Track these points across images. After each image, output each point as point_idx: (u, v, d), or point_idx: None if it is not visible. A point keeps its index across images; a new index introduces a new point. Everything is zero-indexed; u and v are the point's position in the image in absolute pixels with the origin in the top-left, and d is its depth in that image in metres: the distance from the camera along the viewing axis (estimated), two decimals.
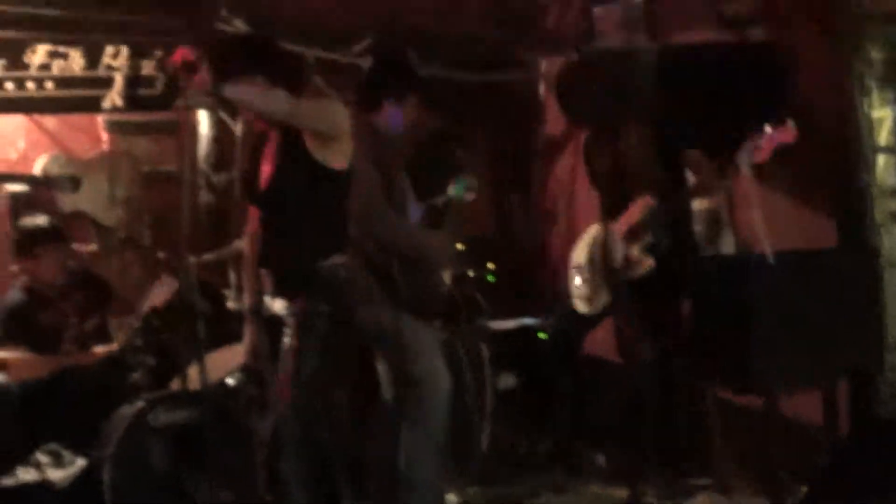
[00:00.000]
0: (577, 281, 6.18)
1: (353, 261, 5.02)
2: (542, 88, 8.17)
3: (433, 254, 5.40)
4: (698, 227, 6.94)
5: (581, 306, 6.12)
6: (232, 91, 4.51)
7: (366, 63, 7.12)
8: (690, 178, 5.97)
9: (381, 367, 5.48)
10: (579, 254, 6.25)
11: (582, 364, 6.41)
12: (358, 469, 5.36)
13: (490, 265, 7.03)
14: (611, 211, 6.04)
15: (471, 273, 6.64)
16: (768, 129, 5.58)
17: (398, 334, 5.15)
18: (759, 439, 5.61)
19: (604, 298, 6.01)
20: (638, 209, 5.89)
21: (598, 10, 7.84)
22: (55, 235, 6.07)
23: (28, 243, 6.02)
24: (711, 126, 6.17)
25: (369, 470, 5.46)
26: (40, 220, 6.15)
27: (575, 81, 6.20)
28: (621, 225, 5.94)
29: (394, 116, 5.37)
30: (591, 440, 6.45)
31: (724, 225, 6.83)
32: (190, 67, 4.31)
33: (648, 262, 5.87)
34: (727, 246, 6.72)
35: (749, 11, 6.53)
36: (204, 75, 4.33)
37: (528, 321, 6.62)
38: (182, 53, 4.32)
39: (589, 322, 6.16)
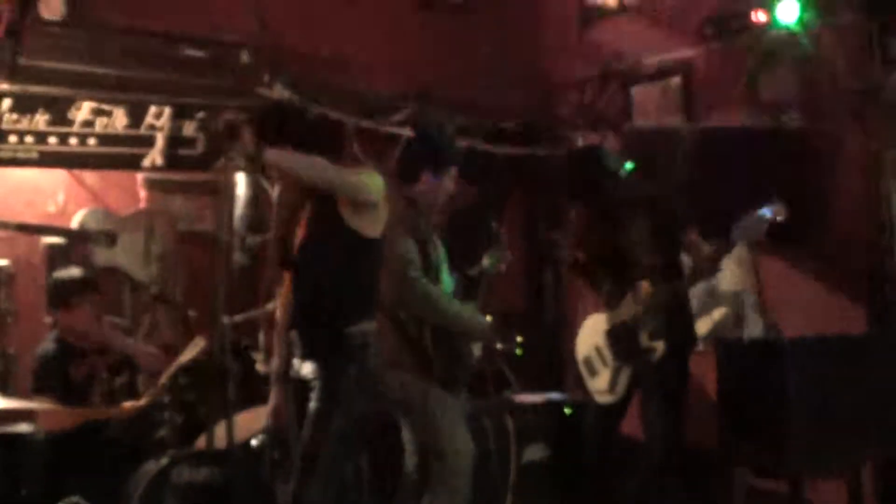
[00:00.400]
0: (588, 374, 6.17)
1: (383, 327, 5.08)
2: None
3: (466, 326, 5.39)
4: (727, 310, 6.95)
5: (603, 399, 6.09)
6: (273, 156, 4.55)
7: (405, 132, 7.23)
8: (686, 260, 5.94)
9: (406, 435, 5.50)
10: (583, 346, 6.20)
11: (611, 442, 6.38)
12: None
13: (519, 338, 7.04)
14: (610, 298, 6.03)
15: (499, 346, 6.64)
16: (764, 209, 5.59)
17: (425, 403, 5.18)
18: None
19: (623, 385, 5.98)
20: (641, 296, 5.89)
21: (636, 90, 7.93)
22: (89, 288, 6.13)
23: (63, 294, 6.08)
24: (711, 207, 6.25)
25: None
26: (75, 271, 6.20)
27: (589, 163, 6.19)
28: (626, 312, 5.91)
29: (432, 188, 5.42)
30: None
31: (751, 308, 6.83)
32: (233, 131, 4.35)
33: (659, 348, 5.86)
34: (755, 329, 6.72)
35: (785, 99, 6.58)
36: (246, 139, 4.37)
37: (554, 396, 6.59)
38: (225, 117, 4.36)
39: (614, 409, 6.12)
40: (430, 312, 5.22)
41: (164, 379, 5.68)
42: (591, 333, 6.12)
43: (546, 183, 8.28)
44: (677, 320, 5.93)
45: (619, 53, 8.04)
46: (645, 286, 5.83)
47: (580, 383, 6.26)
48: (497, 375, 6.81)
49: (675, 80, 7.61)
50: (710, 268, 6.01)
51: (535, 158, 8.12)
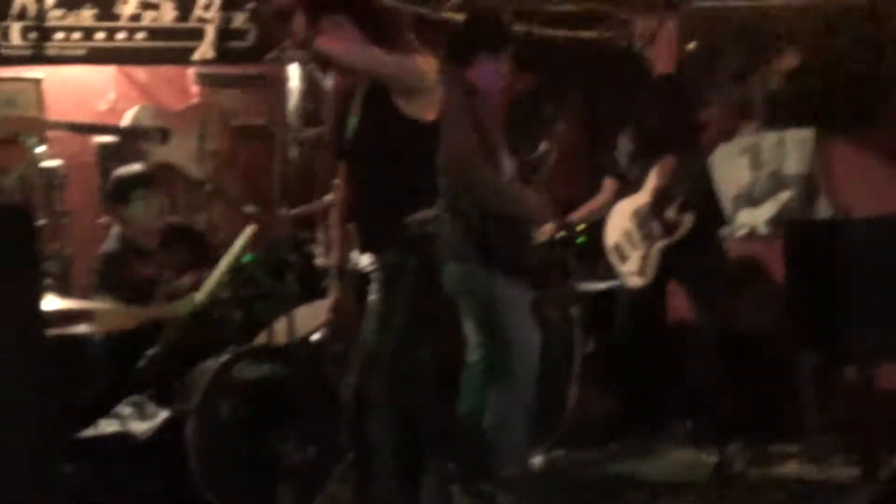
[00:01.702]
0: (619, 260, 6.11)
1: (444, 216, 4.96)
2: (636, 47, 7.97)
3: (529, 211, 5.30)
4: (793, 193, 6.85)
5: (634, 282, 6.07)
6: (324, 44, 4.43)
7: (459, 18, 7.05)
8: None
9: (468, 328, 5.42)
10: (612, 234, 6.22)
11: (668, 327, 6.33)
12: (443, 429, 5.29)
13: (581, 226, 6.91)
14: (639, 181, 6.05)
15: (562, 233, 6.53)
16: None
17: (490, 293, 5.09)
18: (853, 409, 5.51)
19: (653, 267, 5.92)
20: (663, 170, 5.79)
21: None
22: (151, 183, 6.05)
23: (123, 190, 6.01)
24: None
25: (454, 430, 5.40)
26: (136, 167, 6.15)
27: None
28: (651, 190, 5.92)
29: (487, 72, 5.27)
30: (679, 404, 6.35)
31: (819, 190, 6.72)
32: (284, 15, 4.23)
33: (688, 220, 5.84)
34: (823, 212, 6.63)
35: None
36: (298, 24, 4.24)
37: (617, 283, 6.48)
38: (276, 3, 4.24)
39: (651, 291, 6.07)
40: (492, 199, 5.11)
41: (219, 273, 5.61)
42: (620, 219, 6.18)
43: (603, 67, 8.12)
44: (702, 192, 6.00)
45: None
46: (667, 161, 5.77)
47: (611, 273, 6.24)
48: (560, 263, 6.70)
49: None
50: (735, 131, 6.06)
51: (595, 42, 7.92)
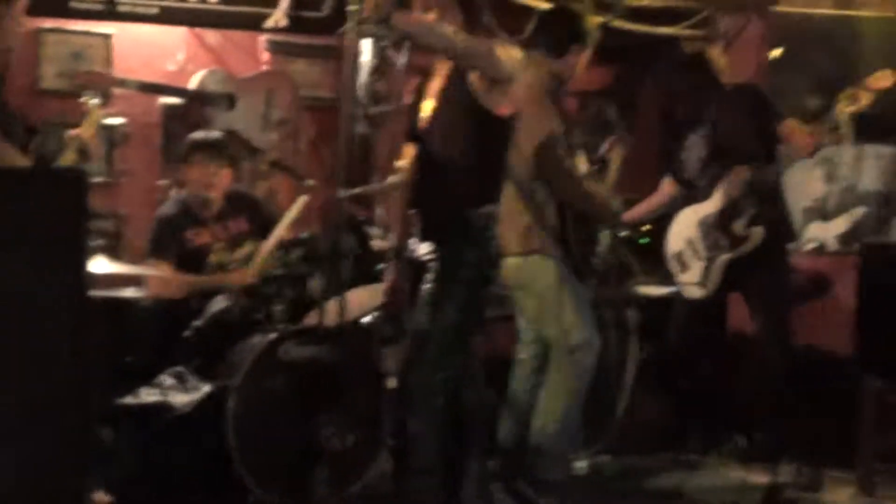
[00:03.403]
0: (679, 268, 5.99)
1: (515, 208, 4.94)
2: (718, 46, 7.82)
3: (600, 209, 5.24)
4: (868, 209, 6.71)
5: (694, 292, 5.93)
6: (402, 21, 4.36)
7: (540, 4, 6.93)
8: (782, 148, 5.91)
9: (521, 323, 5.32)
10: (674, 241, 6.10)
11: (727, 339, 6.21)
12: (487, 426, 5.20)
13: (645, 227, 6.78)
14: (707, 189, 5.93)
15: (625, 234, 6.40)
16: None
17: (554, 288, 5.03)
18: None
19: (715, 279, 5.79)
20: (735, 182, 5.69)
21: None
22: (218, 149, 5.96)
23: (191, 151, 5.92)
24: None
25: (499, 427, 5.31)
26: (210, 133, 6.08)
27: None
28: (720, 200, 5.81)
29: (570, 64, 5.23)
30: (734, 420, 6.22)
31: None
32: None
33: (757, 234, 5.74)
34: None
35: None
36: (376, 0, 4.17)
37: (677, 290, 6.34)
38: None
39: (711, 301, 5.96)
40: (574, 193, 5.05)
41: (269, 245, 5.51)
42: (683, 226, 6.06)
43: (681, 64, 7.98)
44: (773, 207, 5.88)
45: None
46: (740, 172, 5.68)
47: (671, 280, 6.13)
48: (622, 264, 6.57)
49: None
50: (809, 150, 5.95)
51: (676, 40, 7.77)
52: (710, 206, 5.89)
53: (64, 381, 3.18)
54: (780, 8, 7.54)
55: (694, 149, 6.09)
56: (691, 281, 5.94)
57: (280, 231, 5.57)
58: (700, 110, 6.09)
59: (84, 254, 3.23)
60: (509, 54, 4.57)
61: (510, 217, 4.88)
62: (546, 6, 6.78)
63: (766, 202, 5.82)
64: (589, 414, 5.29)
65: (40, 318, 3.13)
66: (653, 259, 6.69)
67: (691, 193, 6.10)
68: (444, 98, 4.63)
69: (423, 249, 4.73)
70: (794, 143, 5.76)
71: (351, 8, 4.23)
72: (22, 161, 4.29)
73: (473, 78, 4.51)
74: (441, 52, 4.58)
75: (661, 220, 6.62)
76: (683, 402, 6.22)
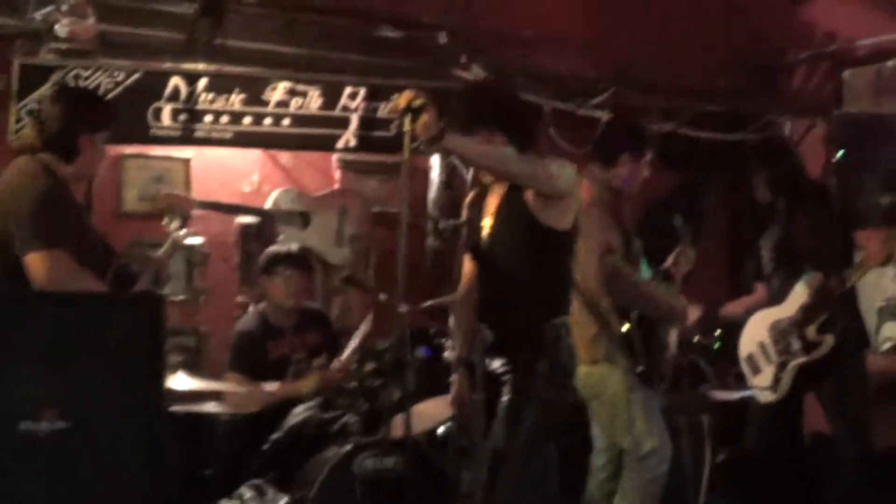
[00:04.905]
0: (751, 372, 5.98)
1: (583, 319, 4.98)
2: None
3: (668, 314, 5.26)
4: None
5: (764, 397, 5.91)
6: (454, 142, 4.40)
7: (603, 115, 7.06)
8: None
9: (595, 431, 5.35)
10: (746, 344, 6.07)
11: (803, 440, 6.16)
12: None
13: (718, 332, 6.80)
14: (780, 291, 5.89)
15: (697, 338, 6.42)
16: None
17: (624, 396, 5.08)
18: None
19: (787, 383, 5.76)
20: (811, 287, 5.68)
21: (846, 74, 7.62)
22: (297, 263, 6.17)
23: (272, 265, 6.13)
24: None
25: None
26: (288, 246, 6.31)
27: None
28: (795, 307, 5.76)
29: (629, 173, 5.29)
30: None
31: None
32: (415, 111, 4.24)
33: (829, 341, 5.67)
34: None
35: None
36: (427, 120, 4.24)
37: (752, 393, 6.33)
38: (408, 97, 4.25)
39: (786, 404, 5.91)
40: (634, 299, 5.09)
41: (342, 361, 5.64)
42: (756, 329, 6.00)
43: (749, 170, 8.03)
44: (847, 314, 5.81)
45: (831, 34, 7.74)
46: (815, 277, 5.65)
47: (743, 382, 6.11)
48: (693, 369, 6.59)
49: (891, 64, 7.34)
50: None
51: (740, 144, 7.83)
52: (783, 310, 5.84)
53: (139, 491, 3.33)
54: (846, 109, 7.58)
55: (766, 249, 6.12)
56: (763, 385, 5.91)
57: (350, 350, 5.72)
58: (770, 211, 6.09)
59: (162, 371, 3.37)
60: (563, 170, 4.61)
61: (577, 327, 4.92)
62: (607, 116, 6.93)
63: (840, 307, 5.75)
64: None
65: (121, 432, 3.30)
66: (725, 363, 6.71)
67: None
68: (502, 215, 4.71)
69: (496, 363, 4.77)
70: (869, 252, 5.64)
71: (404, 129, 4.31)
72: (99, 286, 4.44)
73: (529, 195, 4.58)
74: (495, 173, 4.67)
75: (733, 325, 6.65)
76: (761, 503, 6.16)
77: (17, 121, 6.17)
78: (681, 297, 5.39)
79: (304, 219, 6.89)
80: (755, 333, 5.97)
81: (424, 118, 4.22)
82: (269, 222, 6.92)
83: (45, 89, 6.11)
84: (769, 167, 5.98)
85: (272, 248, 6.33)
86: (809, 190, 5.98)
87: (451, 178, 7.29)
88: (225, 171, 7.03)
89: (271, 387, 5.86)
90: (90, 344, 3.30)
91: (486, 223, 4.77)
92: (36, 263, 4.23)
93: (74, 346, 3.29)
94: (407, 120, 4.24)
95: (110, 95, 6.23)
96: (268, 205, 6.93)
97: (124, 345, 3.30)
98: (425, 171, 7.19)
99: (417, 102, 4.21)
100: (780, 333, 5.80)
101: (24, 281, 4.23)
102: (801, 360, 5.74)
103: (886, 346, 6.94)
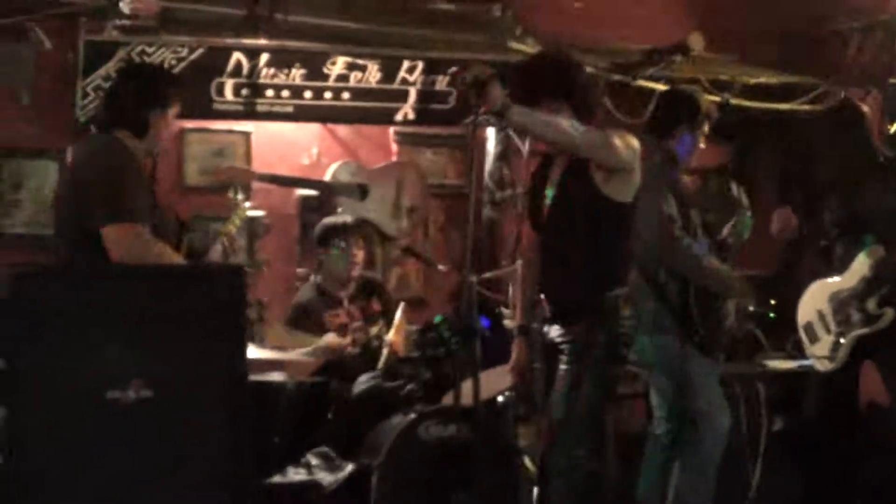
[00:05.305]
0: (809, 340, 6.01)
1: (641, 290, 5.03)
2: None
3: (727, 287, 5.31)
4: None
5: (820, 366, 5.93)
6: (518, 115, 4.43)
7: (658, 87, 7.09)
8: None
9: (654, 400, 5.42)
10: (805, 312, 6.07)
11: (860, 412, 6.17)
12: (624, 501, 5.30)
13: (773, 301, 6.84)
14: (842, 260, 5.90)
15: (752, 308, 6.47)
16: None
17: (683, 366, 5.10)
18: None
19: (844, 353, 5.78)
20: (873, 259, 5.69)
21: None
22: (352, 234, 6.28)
23: (327, 236, 6.24)
24: None
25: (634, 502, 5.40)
26: (343, 218, 6.42)
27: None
28: (856, 278, 5.76)
29: (685, 144, 5.33)
30: (865, 494, 6.17)
31: None
32: (479, 85, 4.28)
33: (890, 314, 5.65)
34: None
35: None
36: (493, 94, 4.29)
37: (807, 362, 6.38)
38: (474, 71, 4.29)
39: (843, 374, 5.91)
40: (693, 271, 5.15)
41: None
42: (815, 298, 6.00)
43: (803, 141, 8.03)
44: None
45: (882, 3, 7.70)
46: (879, 251, 5.63)
47: (799, 349, 6.13)
48: (749, 340, 6.64)
49: None
50: None
51: (793, 115, 7.84)
52: (844, 281, 5.84)
53: (223, 457, 3.45)
54: None
55: (830, 216, 6.09)
56: (820, 354, 5.92)
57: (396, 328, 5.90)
58: (835, 179, 6.08)
59: (243, 341, 3.48)
60: (627, 143, 4.61)
61: (636, 298, 4.98)
62: (662, 88, 6.95)
63: None
64: (722, 488, 5.32)
65: (204, 400, 3.42)
66: (779, 333, 6.75)
67: (825, 264, 6.13)
68: (565, 186, 4.73)
69: (554, 332, 4.84)
70: None
71: (471, 103, 4.33)
72: (176, 258, 4.55)
73: (592, 167, 4.59)
74: (559, 145, 4.68)
75: (789, 296, 6.68)
76: (817, 473, 6.19)
77: (84, 97, 6.30)
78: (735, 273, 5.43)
79: (362, 191, 6.96)
80: (815, 302, 5.97)
81: (490, 91, 4.27)
82: (328, 195, 7.02)
83: (111, 66, 6.23)
84: (842, 136, 5.98)
85: (327, 220, 6.42)
86: (877, 161, 5.97)
87: (506, 149, 7.37)
88: (284, 145, 7.14)
89: (328, 338, 5.97)
90: (175, 315, 3.41)
91: (549, 194, 4.82)
92: (114, 236, 4.31)
93: (160, 317, 3.40)
94: (473, 93, 4.28)
95: (174, 71, 6.30)
96: (327, 177, 7.03)
97: (208, 316, 3.41)
98: (482, 143, 7.26)
99: (483, 76, 4.25)
100: (840, 304, 5.80)
101: (101, 253, 4.32)
102: (860, 331, 5.74)
103: None
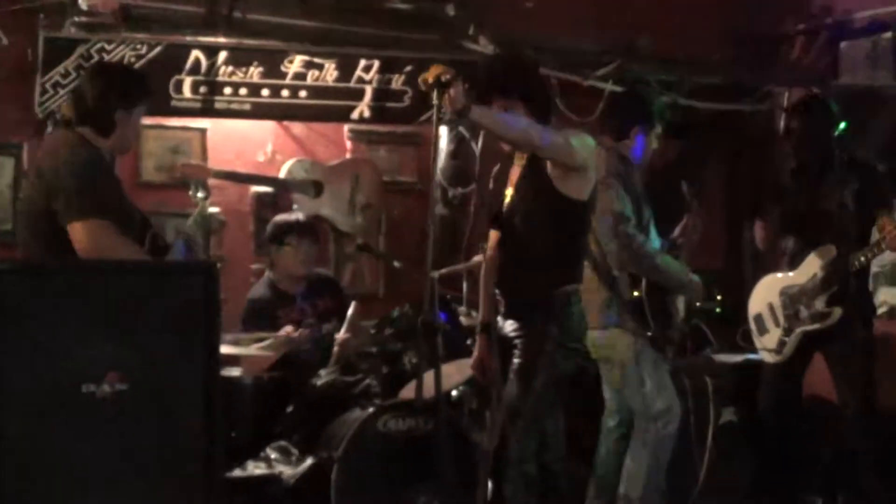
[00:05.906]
0: (757, 331, 6.13)
1: (593, 284, 5.13)
2: (782, 120, 7.99)
3: (681, 285, 5.43)
4: None
5: (768, 357, 6.05)
6: (479, 114, 4.51)
7: (608, 87, 7.19)
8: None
9: (607, 393, 5.53)
10: (755, 303, 6.18)
11: (804, 402, 6.30)
12: (576, 492, 5.40)
13: (718, 297, 6.98)
14: (794, 257, 6.00)
15: (699, 304, 6.59)
16: None
17: (635, 359, 5.24)
18: None
19: (791, 347, 5.92)
20: (824, 260, 5.79)
21: (844, 45, 7.72)
22: (305, 231, 6.33)
23: (279, 233, 6.29)
24: None
25: (586, 494, 5.51)
26: (295, 215, 6.47)
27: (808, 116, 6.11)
28: (806, 276, 5.87)
29: (640, 144, 5.46)
30: (811, 482, 6.31)
31: None
32: (443, 85, 4.34)
33: (836, 313, 5.77)
34: None
35: None
36: (456, 93, 4.36)
37: (752, 356, 6.52)
38: (436, 71, 4.34)
39: (792, 365, 6.04)
40: (646, 268, 5.25)
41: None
42: (767, 291, 6.10)
43: (748, 139, 8.17)
44: (857, 289, 5.90)
45: (827, 7, 7.85)
46: (830, 250, 5.74)
47: (748, 339, 6.23)
48: (696, 334, 6.78)
49: (887, 36, 7.40)
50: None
51: (739, 114, 7.98)
52: (796, 277, 5.92)
53: (196, 451, 3.53)
54: (842, 80, 7.68)
55: (789, 212, 6.12)
56: (767, 346, 6.03)
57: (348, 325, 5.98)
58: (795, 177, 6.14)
59: (217, 336, 3.54)
60: (583, 142, 4.73)
61: (589, 293, 5.07)
62: (614, 88, 7.06)
63: (850, 283, 5.83)
64: (672, 479, 5.46)
65: (180, 393, 3.50)
66: (726, 328, 6.89)
67: (778, 258, 6.20)
68: (523, 185, 4.85)
69: (508, 327, 4.94)
70: (883, 234, 5.62)
71: (433, 103, 4.39)
72: (140, 255, 4.56)
73: (549, 166, 4.70)
74: (518, 145, 4.79)
75: (734, 291, 6.81)
76: (764, 464, 6.31)
77: (42, 93, 6.31)
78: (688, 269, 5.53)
79: (317, 188, 7.01)
80: (766, 295, 6.07)
81: (452, 92, 4.35)
82: (283, 191, 7.07)
83: (70, 62, 6.25)
84: (805, 129, 6.03)
85: (279, 218, 6.47)
86: (840, 160, 6.00)
87: (458, 148, 7.44)
88: (240, 142, 7.16)
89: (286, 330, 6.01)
90: (149, 310, 3.47)
91: (508, 193, 4.93)
92: (81, 232, 4.31)
93: (134, 312, 3.46)
94: (435, 94, 4.35)
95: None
96: (282, 174, 7.06)
97: (182, 310, 3.47)
98: (435, 141, 7.31)
99: (446, 77, 4.31)
100: (790, 298, 5.90)
101: (68, 249, 4.31)
102: (808, 327, 5.85)
103: (882, 310, 7.03)
